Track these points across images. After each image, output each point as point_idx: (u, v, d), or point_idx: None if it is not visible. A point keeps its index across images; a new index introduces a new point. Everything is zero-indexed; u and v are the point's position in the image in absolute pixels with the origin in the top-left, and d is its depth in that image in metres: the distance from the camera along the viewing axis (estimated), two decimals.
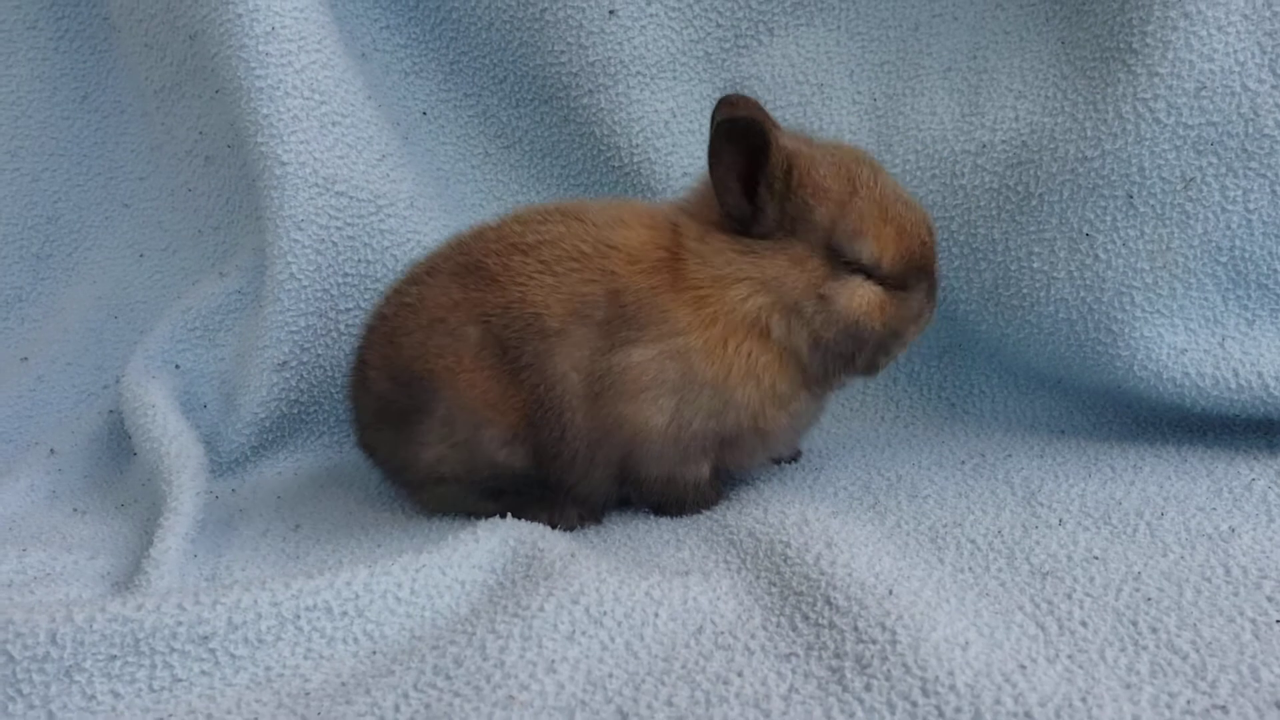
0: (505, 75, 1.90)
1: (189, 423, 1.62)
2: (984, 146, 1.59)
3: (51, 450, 1.70)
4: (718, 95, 1.80)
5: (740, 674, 0.99)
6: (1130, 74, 1.45)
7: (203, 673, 1.04)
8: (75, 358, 1.89)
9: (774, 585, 1.14)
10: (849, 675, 0.96)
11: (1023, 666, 0.94)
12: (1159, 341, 1.48)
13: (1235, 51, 1.41)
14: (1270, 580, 1.07)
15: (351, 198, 1.69)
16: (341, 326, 1.71)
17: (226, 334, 1.76)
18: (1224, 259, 1.46)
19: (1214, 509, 1.26)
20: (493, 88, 1.91)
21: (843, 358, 1.35)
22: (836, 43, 1.78)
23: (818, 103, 1.75)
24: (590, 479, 1.41)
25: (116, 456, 1.74)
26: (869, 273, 1.31)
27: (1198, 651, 0.96)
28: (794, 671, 0.99)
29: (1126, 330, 1.49)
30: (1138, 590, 1.08)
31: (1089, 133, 1.48)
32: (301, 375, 1.70)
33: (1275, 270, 1.46)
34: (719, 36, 1.82)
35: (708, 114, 1.80)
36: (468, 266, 1.40)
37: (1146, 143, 1.45)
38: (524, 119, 1.91)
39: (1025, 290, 1.56)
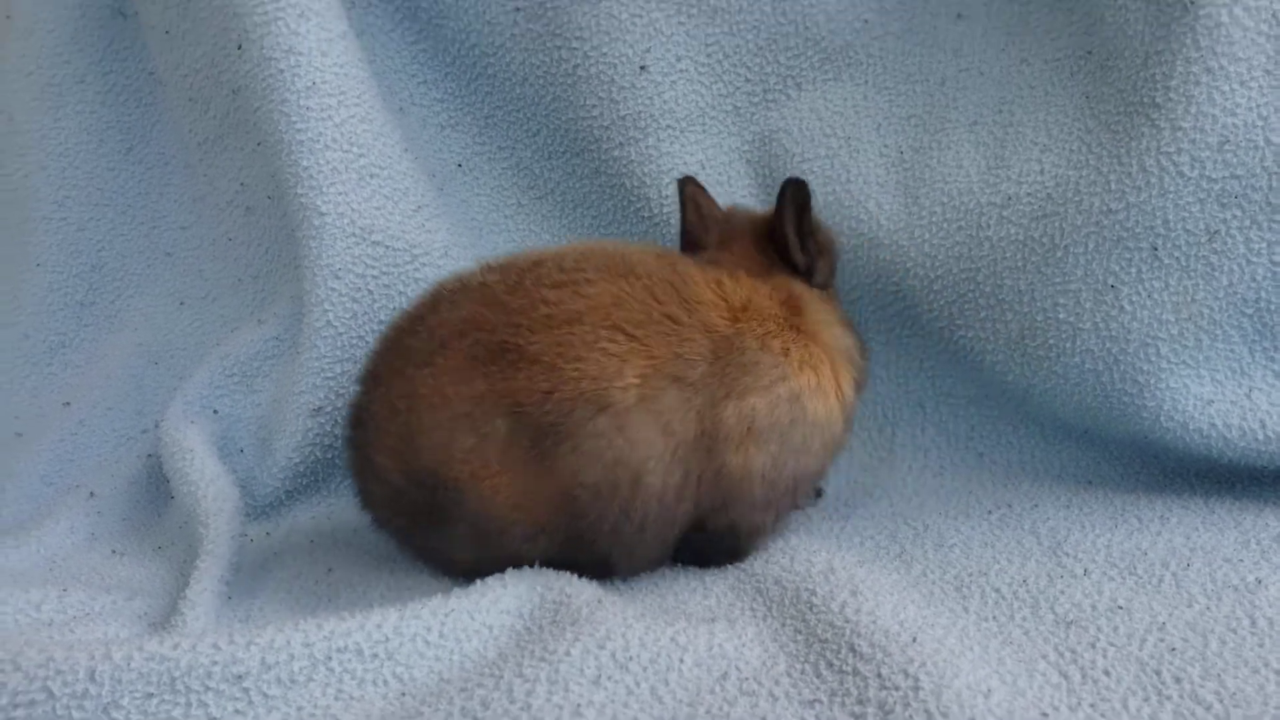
0: (538, 129, 1.94)
1: (226, 467, 1.65)
2: (1009, 199, 1.61)
3: (91, 493, 1.73)
4: (746, 148, 1.85)
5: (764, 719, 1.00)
6: (1154, 128, 1.46)
7: (236, 712, 1.06)
8: (116, 403, 1.93)
9: (799, 632, 1.15)
10: None
11: (1045, 715, 0.94)
12: (1185, 393, 1.49)
13: (1258, 105, 1.43)
14: None
15: (388, 247, 1.72)
16: None
17: (264, 380, 1.80)
18: (1249, 311, 1.47)
19: (1241, 560, 1.26)
20: (526, 141, 1.95)
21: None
22: (864, 97, 1.80)
23: (845, 155, 1.77)
24: (642, 550, 1.35)
25: (154, 500, 1.77)
26: None
27: (1221, 702, 0.96)
28: (817, 718, 0.99)
29: (1153, 381, 1.50)
30: (1162, 640, 1.08)
31: (1113, 186, 1.50)
32: (335, 420, 1.73)
33: None
34: (747, 90, 1.85)
35: (736, 166, 1.84)
36: (491, 349, 1.28)
37: (1170, 196, 1.46)
38: (556, 171, 1.95)
39: (1051, 341, 1.57)
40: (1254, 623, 1.10)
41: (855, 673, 1.04)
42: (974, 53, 1.74)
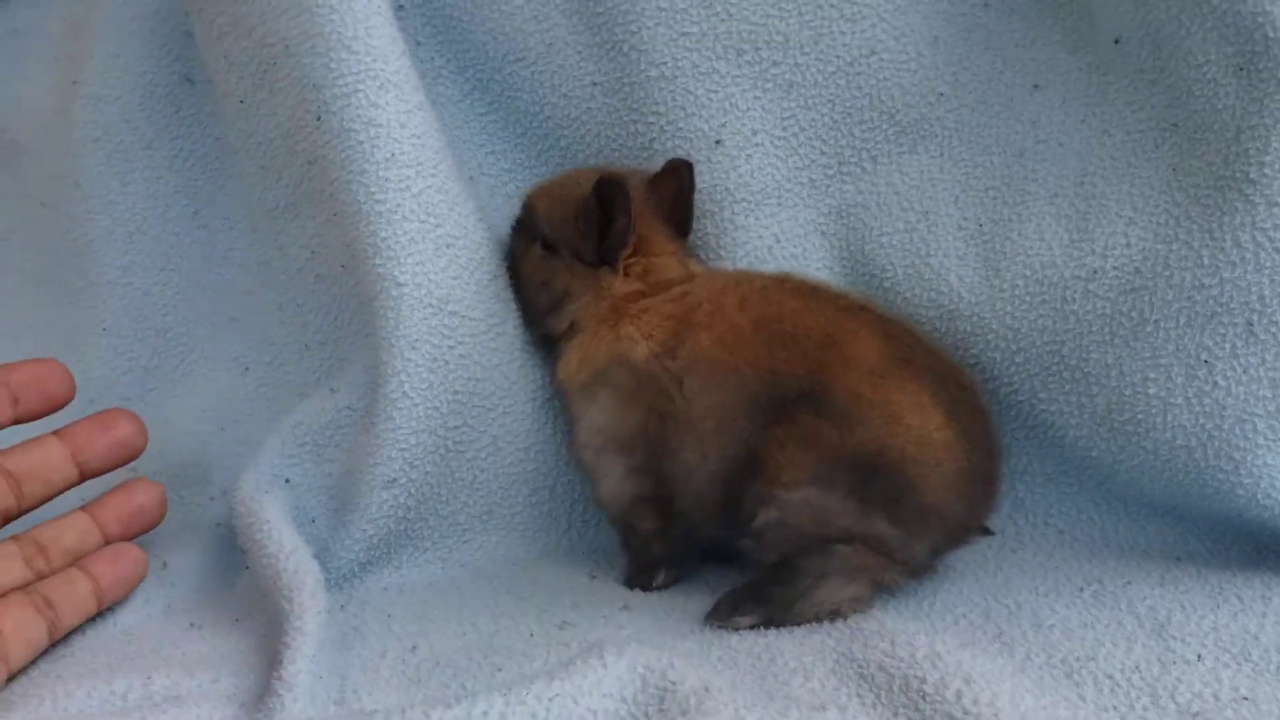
0: None
1: (302, 538, 1.63)
2: (1095, 272, 1.60)
3: (165, 563, 1.71)
4: (822, 221, 1.85)
5: None
6: (1248, 203, 1.46)
7: None
8: (183, 469, 1.92)
9: None
10: None
11: None
12: None
13: None
14: None
15: (464, 317, 1.71)
16: (450, 443, 1.73)
17: (336, 449, 1.78)
18: None
19: None
20: None
21: None
22: (940, 169, 1.80)
23: (923, 229, 1.77)
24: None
25: (226, 570, 1.75)
26: None
27: None
28: None
29: (1249, 459, 1.48)
30: None
31: (1206, 261, 1.49)
32: (410, 492, 1.71)
33: None
34: (823, 164, 1.85)
35: (812, 239, 1.83)
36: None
37: (1266, 271, 1.45)
38: None
39: (1141, 416, 1.55)
40: None
41: None
42: (1052, 124, 1.74)
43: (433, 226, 1.71)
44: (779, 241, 1.82)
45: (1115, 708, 1.15)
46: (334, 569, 1.71)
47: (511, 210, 1.92)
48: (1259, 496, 1.47)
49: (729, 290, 1.60)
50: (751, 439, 1.48)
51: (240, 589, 1.68)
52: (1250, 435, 1.48)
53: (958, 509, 1.48)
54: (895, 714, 1.16)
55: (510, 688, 1.18)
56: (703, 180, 1.81)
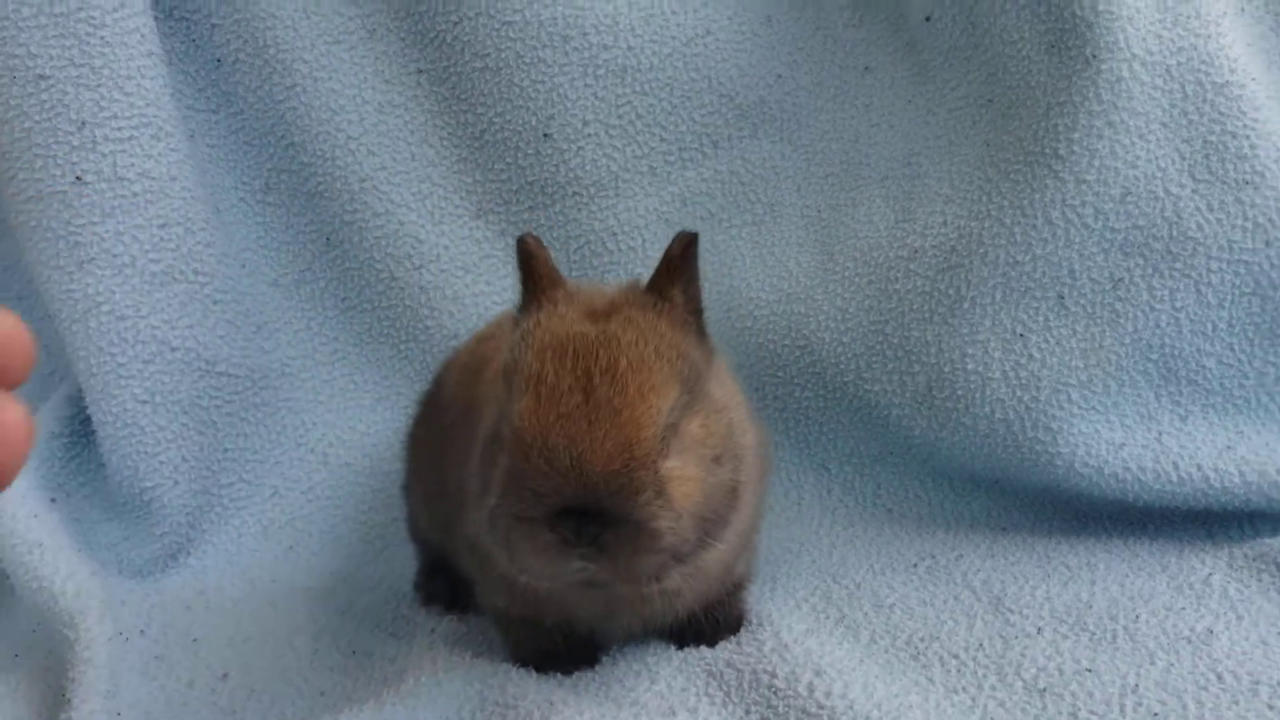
0: (430, 192, 1.84)
1: (84, 558, 1.48)
2: (916, 251, 1.61)
3: None
4: (665, 209, 1.80)
5: None
6: (1058, 180, 1.48)
7: None
8: None
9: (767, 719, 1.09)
10: None
11: None
12: (1097, 438, 1.50)
13: (1156, 158, 1.46)
14: (1264, 686, 1.08)
15: (230, 376, 1.71)
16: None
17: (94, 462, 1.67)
18: (1154, 356, 1.50)
19: (1183, 609, 1.27)
20: (414, 204, 1.84)
21: None
22: (782, 155, 1.79)
23: (769, 220, 1.77)
24: None
25: None
26: None
27: None
28: None
29: (1065, 427, 1.51)
30: (1140, 704, 1.07)
31: (1019, 237, 1.51)
32: (184, 504, 1.63)
33: (1204, 367, 1.50)
34: (663, 151, 1.80)
35: (655, 229, 1.79)
36: None
37: (1076, 246, 1.48)
38: (444, 236, 1.85)
39: (960, 392, 1.56)
40: (1220, 678, 1.10)
41: None
42: (883, 106, 1.74)
43: (200, 285, 1.64)
44: (620, 232, 1.77)
45: (964, 688, 1.14)
46: (122, 587, 1.56)
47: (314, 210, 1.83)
48: (1076, 465, 1.50)
49: None
50: None
51: (11, 622, 1.51)
52: (1065, 405, 1.51)
53: None
54: (748, 712, 1.12)
55: (340, 713, 1.08)
56: (533, 173, 1.76)
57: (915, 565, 1.50)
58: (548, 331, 1.04)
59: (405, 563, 1.64)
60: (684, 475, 1.01)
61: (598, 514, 0.96)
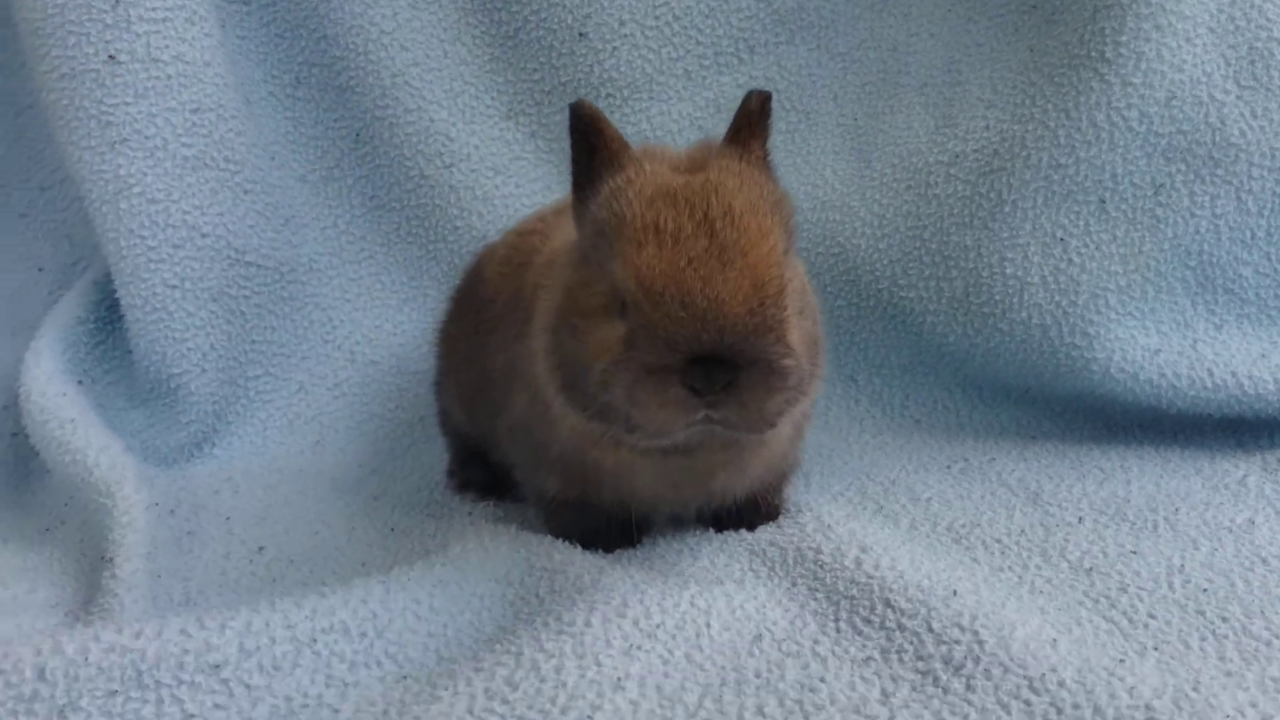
0: (461, 90, 1.82)
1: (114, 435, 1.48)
2: (957, 156, 1.60)
3: None
4: (699, 114, 1.79)
5: (823, 680, 0.93)
6: (1104, 83, 1.47)
7: (216, 706, 0.92)
8: None
9: (816, 591, 1.09)
10: (943, 677, 0.91)
11: (1121, 660, 0.91)
12: (1133, 344, 1.50)
13: (1202, 63, 1.46)
14: None
15: (259, 267, 1.69)
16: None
17: (120, 349, 1.66)
18: (1193, 263, 1.51)
19: (1221, 504, 1.28)
20: (445, 102, 1.82)
21: None
22: (819, 64, 1.77)
23: (804, 129, 1.76)
24: None
25: (22, 482, 1.57)
26: None
27: (1278, 638, 0.96)
28: (878, 675, 0.93)
29: (1102, 333, 1.51)
30: (1188, 582, 1.07)
31: (1062, 140, 1.50)
32: (211, 393, 1.64)
33: (1241, 275, 1.51)
34: (698, 54, 1.79)
35: (688, 134, 1.77)
36: None
37: (1120, 150, 1.48)
38: (474, 136, 1.84)
39: (998, 297, 1.56)
40: (1265, 561, 1.11)
41: (901, 628, 0.99)
42: (922, 14, 1.73)
43: (231, 173, 1.63)
44: (649, 138, 1.75)
45: (1010, 567, 1.14)
46: (148, 473, 1.55)
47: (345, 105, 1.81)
48: (1112, 370, 1.50)
49: None
50: None
51: (42, 498, 1.50)
52: (1103, 310, 1.51)
53: None
54: (794, 583, 1.12)
55: (391, 574, 1.07)
56: (566, 73, 1.74)
57: (949, 467, 1.51)
58: (649, 184, 1.02)
59: (433, 457, 1.64)
60: (793, 318, 1.01)
61: (728, 359, 0.95)
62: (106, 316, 1.69)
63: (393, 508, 1.46)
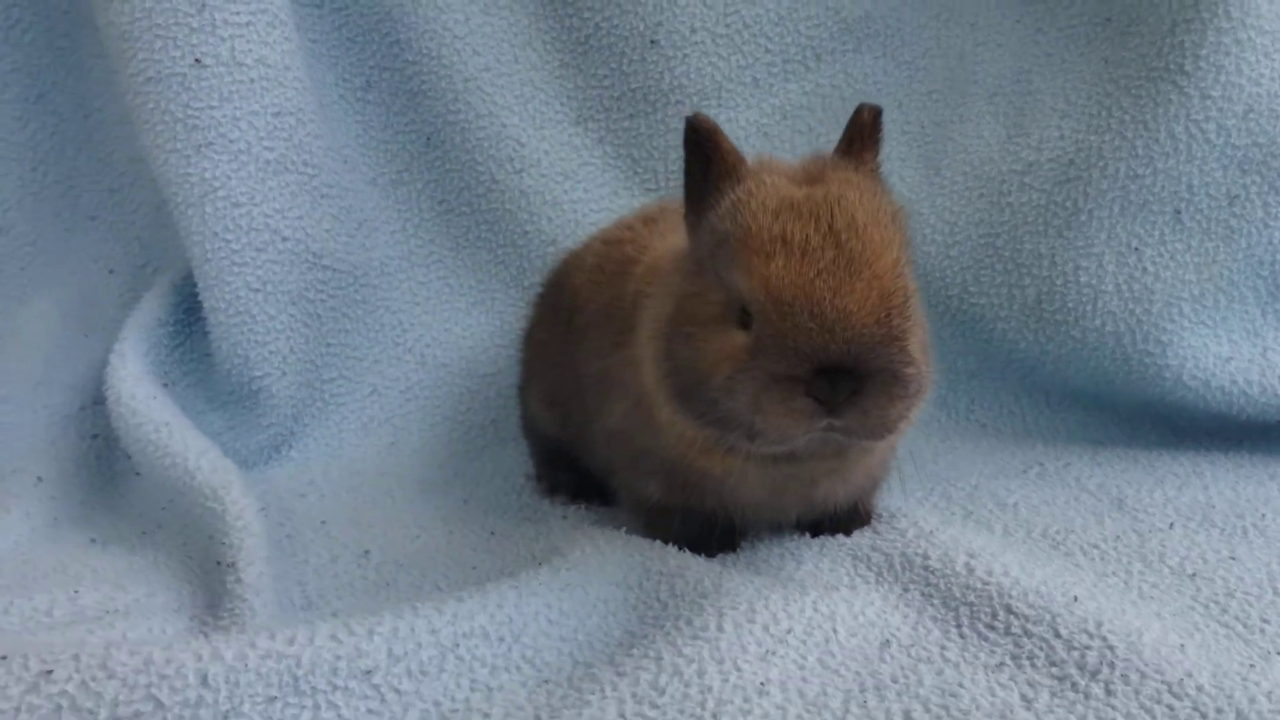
0: (532, 95, 1.84)
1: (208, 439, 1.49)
2: (1030, 165, 1.63)
3: (39, 479, 1.52)
4: (765, 122, 1.81)
5: (961, 686, 0.96)
6: (1182, 95, 1.50)
7: (370, 711, 0.94)
8: (45, 378, 1.70)
9: (930, 598, 1.11)
10: (1081, 682, 0.94)
11: (1251, 665, 0.94)
12: (1205, 352, 1.54)
13: None
14: None
15: (334, 270, 1.73)
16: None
17: (201, 351, 1.69)
18: (1264, 273, 1.54)
19: None
20: (516, 107, 1.83)
21: None
22: (885, 72, 1.80)
23: None
24: None
25: (110, 483, 1.58)
26: None
27: None
28: (1014, 681, 0.96)
29: (1175, 340, 1.54)
30: None
31: (1140, 151, 1.53)
32: (289, 396, 1.67)
33: None
34: (766, 62, 1.81)
35: (754, 141, 1.79)
36: None
37: (1197, 161, 1.51)
38: (545, 141, 1.86)
39: (1071, 304, 1.59)
40: None
41: (1028, 634, 1.01)
42: (990, 25, 1.76)
43: (309, 177, 1.64)
44: None
45: (1114, 573, 1.17)
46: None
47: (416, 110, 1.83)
48: (1184, 378, 1.54)
49: None
50: None
51: (135, 500, 1.51)
52: (1176, 318, 1.54)
53: None
54: (905, 589, 1.14)
55: (520, 579, 1.09)
56: (637, 80, 1.76)
57: (1025, 471, 1.53)
58: (772, 196, 1.05)
59: (510, 461, 1.67)
60: (915, 328, 1.05)
61: (854, 369, 0.98)
62: (184, 319, 1.70)
63: (485, 511, 1.48)
